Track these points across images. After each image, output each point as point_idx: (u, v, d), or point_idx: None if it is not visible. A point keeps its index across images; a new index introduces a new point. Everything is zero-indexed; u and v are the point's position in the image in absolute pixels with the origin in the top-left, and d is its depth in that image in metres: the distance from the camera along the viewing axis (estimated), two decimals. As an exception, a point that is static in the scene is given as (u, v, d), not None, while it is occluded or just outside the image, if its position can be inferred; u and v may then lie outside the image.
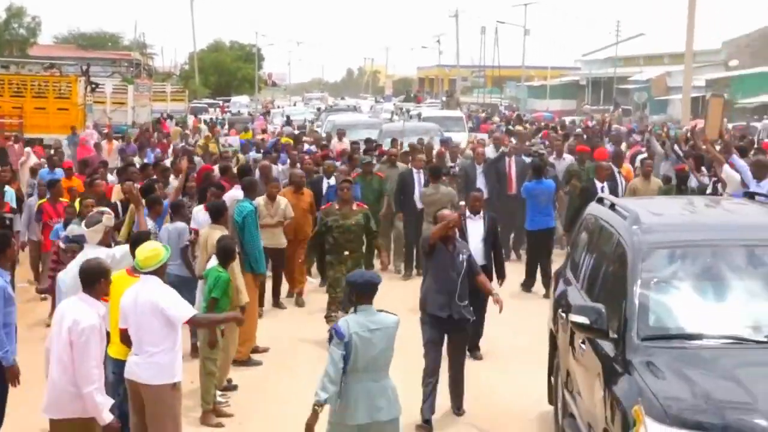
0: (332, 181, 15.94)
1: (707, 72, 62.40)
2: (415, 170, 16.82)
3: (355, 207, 12.34)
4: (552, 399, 9.30)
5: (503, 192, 17.64)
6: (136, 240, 8.40)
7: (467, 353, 10.99)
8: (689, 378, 5.91)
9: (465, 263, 9.56)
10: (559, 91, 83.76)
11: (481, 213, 11.82)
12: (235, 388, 10.51)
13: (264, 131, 35.25)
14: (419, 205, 16.13)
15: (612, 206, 8.27)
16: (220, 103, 68.36)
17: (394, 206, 16.58)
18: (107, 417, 7.01)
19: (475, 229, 11.70)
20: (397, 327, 7.12)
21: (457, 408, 9.84)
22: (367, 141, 23.17)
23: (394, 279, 15.91)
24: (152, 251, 7.58)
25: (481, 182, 17.29)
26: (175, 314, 7.44)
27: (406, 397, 7.91)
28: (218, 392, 9.91)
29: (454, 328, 9.57)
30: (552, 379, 9.24)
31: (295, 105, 71.57)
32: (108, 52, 77.73)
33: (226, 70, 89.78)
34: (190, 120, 45.03)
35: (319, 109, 53.57)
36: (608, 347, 6.67)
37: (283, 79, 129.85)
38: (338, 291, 11.66)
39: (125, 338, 7.66)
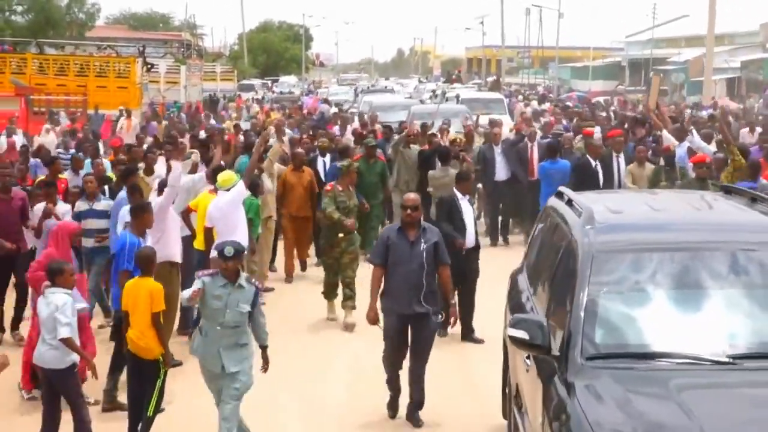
0: (327, 159, 16.40)
1: (744, 54, 63.30)
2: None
3: (350, 188, 12.81)
4: (505, 414, 8.43)
5: (525, 176, 17.48)
6: (214, 170, 12.07)
7: (465, 339, 11.39)
8: (635, 406, 5.17)
9: (425, 252, 8.77)
10: (602, 71, 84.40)
11: (467, 196, 11.80)
12: (272, 289, 13.96)
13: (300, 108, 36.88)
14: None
15: (569, 201, 7.39)
16: (269, 83, 70.05)
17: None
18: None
19: (468, 210, 11.60)
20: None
21: (416, 422, 8.93)
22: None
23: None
24: (228, 175, 11.37)
25: (501, 164, 17.52)
26: (239, 192, 11.11)
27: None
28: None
29: (417, 321, 8.89)
30: (507, 390, 8.26)
31: (341, 85, 72.46)
32: (159, 33, 79.73)
33: (275, 51, 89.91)
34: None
35: (355, 90, 53.25)
36: (551, 366, 5.83)
37: (331, 60, 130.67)
38: (332, 276, 12.50)
39: (209, 234, 11.08)
